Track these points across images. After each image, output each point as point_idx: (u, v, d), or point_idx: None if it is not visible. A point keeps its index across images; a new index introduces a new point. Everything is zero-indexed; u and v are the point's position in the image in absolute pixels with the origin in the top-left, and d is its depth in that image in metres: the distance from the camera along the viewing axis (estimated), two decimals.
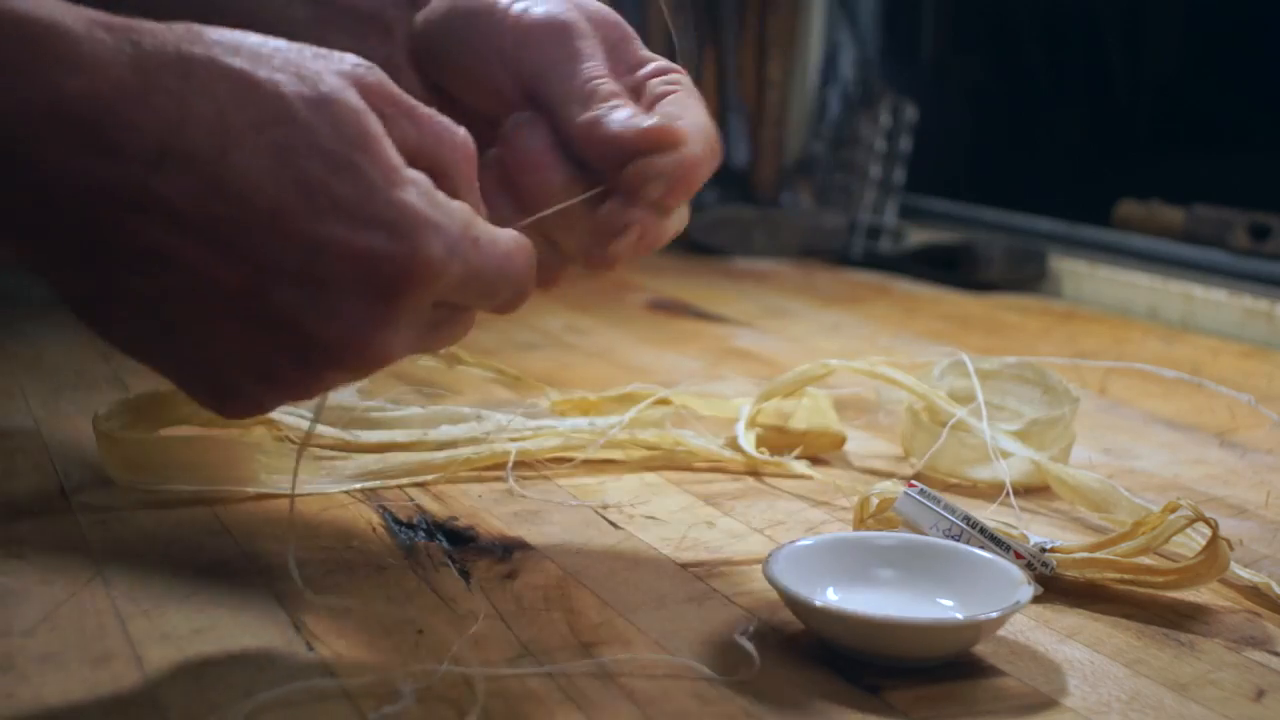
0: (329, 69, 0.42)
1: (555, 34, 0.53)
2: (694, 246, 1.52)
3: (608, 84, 0.52)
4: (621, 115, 0.50)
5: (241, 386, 0.43)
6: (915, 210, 1.61)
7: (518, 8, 0.53)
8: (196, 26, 0.41)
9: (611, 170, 0.51)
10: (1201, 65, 1.43)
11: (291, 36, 0.57)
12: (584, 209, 0.51)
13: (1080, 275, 1.32)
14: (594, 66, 0.53)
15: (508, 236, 0.45)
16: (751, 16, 1.71)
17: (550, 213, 0.51)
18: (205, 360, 0.43)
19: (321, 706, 0.44)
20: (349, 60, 0.43)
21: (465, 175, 0.46)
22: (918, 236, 1.54)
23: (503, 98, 0.54)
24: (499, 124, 0.54)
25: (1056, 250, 1.38)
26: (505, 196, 0.51)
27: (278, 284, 0.40)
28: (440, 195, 0.43)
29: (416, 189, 0.42)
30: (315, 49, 0.43)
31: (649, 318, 1.16)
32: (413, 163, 0.43)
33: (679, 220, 0.55)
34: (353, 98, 0.42)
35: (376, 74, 0.43)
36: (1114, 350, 1.08)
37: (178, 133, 0.39)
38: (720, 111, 1.72)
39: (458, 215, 0.43)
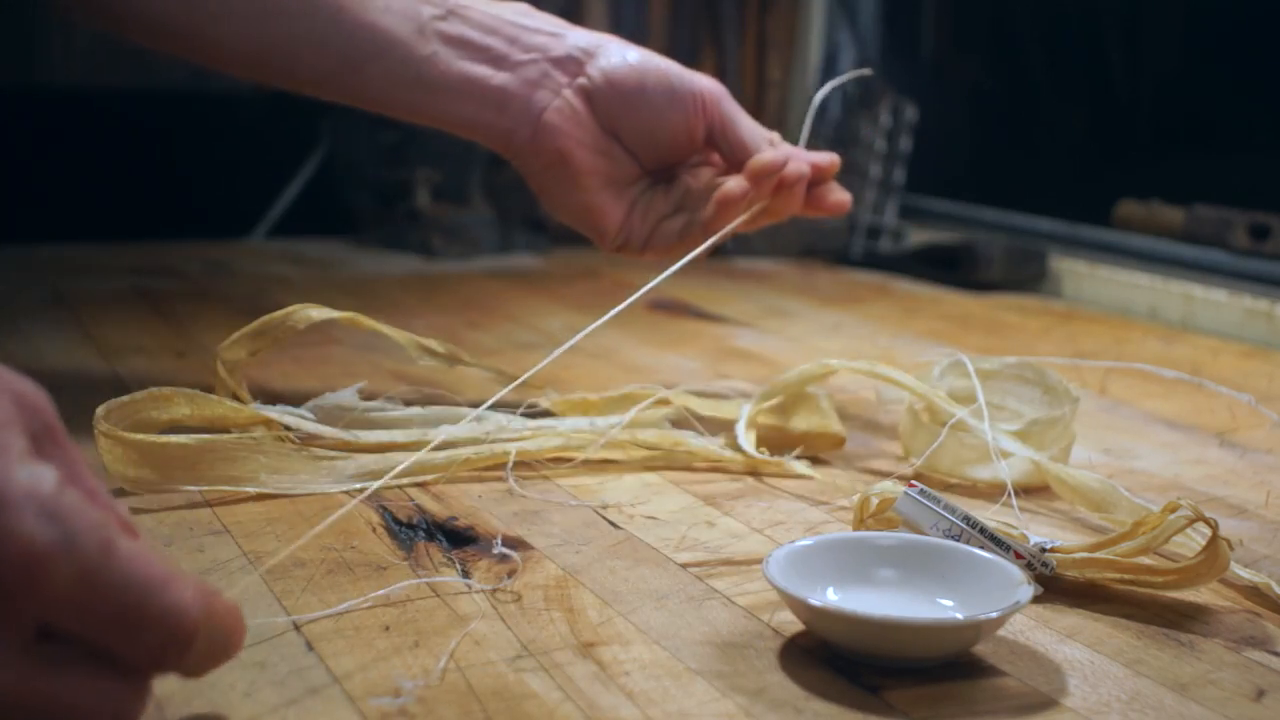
0: None
1: (725, 95, 0.78)
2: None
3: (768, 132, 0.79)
4: (799, 151, 0.77)
5: None
6: (915, 210, 1.60)
7: (696, 76, 0.77)
8: None
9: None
10: (1201, 65, 1.43)
11: (433, 74, 0.74)
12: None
13: (1080, 275, 1.32)
14: (750, 120, 0.79)
15: (168, 569, 0.37)
16: (751, 16, 1.71)
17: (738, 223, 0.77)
18: None
19: (321, 706, 0.44)
20: (15, 376, 0.37)
21: (124, 527, 0.38)
22: (918, 236, 1.54)
23: (677, 144, 0.78)
24: (654, 165, 0.79)
25: (1056, 250, 1.38)
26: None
27: None
28: (70, 490, 0.35)
29: (31, 471, 0.35)
30: None
31: (649, 318, 1.16)
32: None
33: None
34: None
35: (43, 398, 0.38)
36: (1114, 350, 1.08)
37: None
38: None
39: (91, 513, 0.35)
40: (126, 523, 0.39)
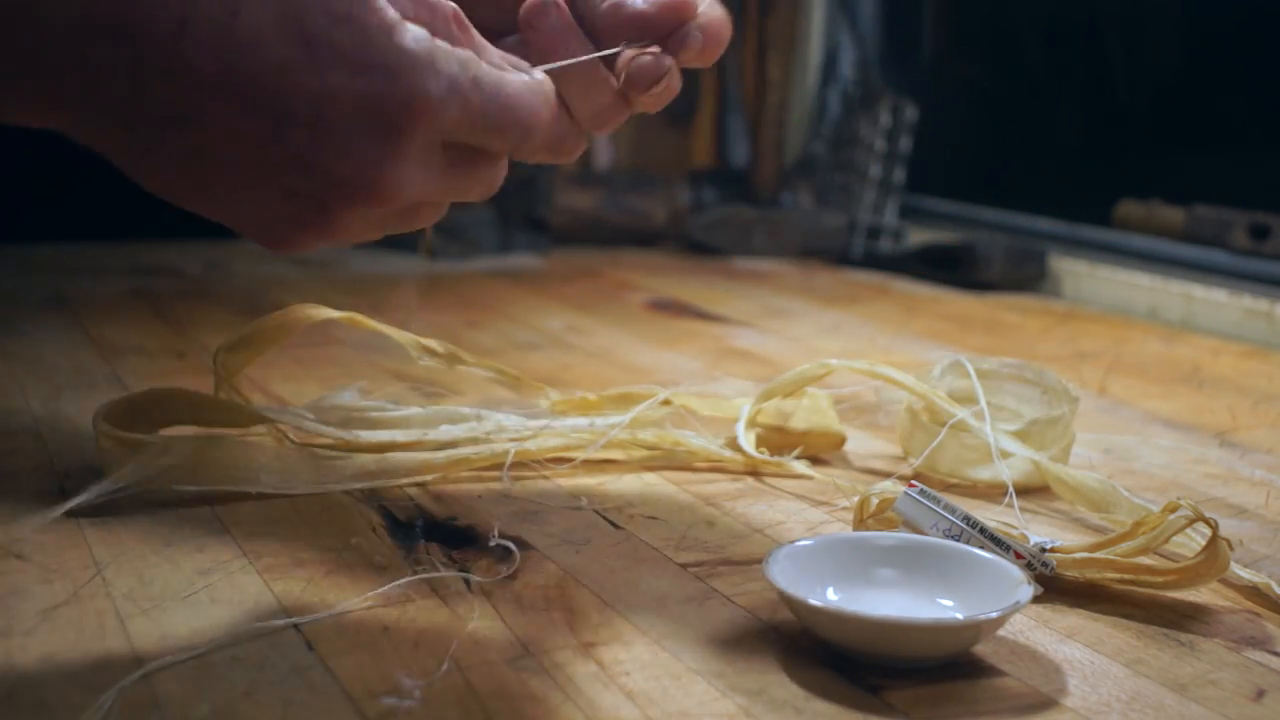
0: None
1: None
2: (694, 246, 1.52)
3: None
4: None
5: (275, 227, 0.47)
6: (915, 210, 1.60)
7: None
8: None
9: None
10: (1201, 65, 1.43)
11: None
12: (603, 74, 0.59)
13: (1080, 275, 1.33)
14: None
15: (516, 78, 0.49)
16: (751, 16, 1.71)
17: (572, 63, 0.57)
18: (239, 206, 0.46)
19: (322, 706, 0.44)
20: None
21: (455, 29, 0.48)
22: (918, 236, 1.54)
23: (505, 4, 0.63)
24: (498, 34, 0.62)
25: (1056, 250, 1.38)
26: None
27: (292, 130, 0.44)
28: (439, 41, 0.46)
29: (413, 35, 0.45)
30: None
31: (649, 318, 1.16)
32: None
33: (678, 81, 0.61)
34: None
35: None
36: (1114, 350, 1.08)
37: (194, 1, 0.42)
38: (720, 111, 1.72)
39: (455, 57, 0.46)
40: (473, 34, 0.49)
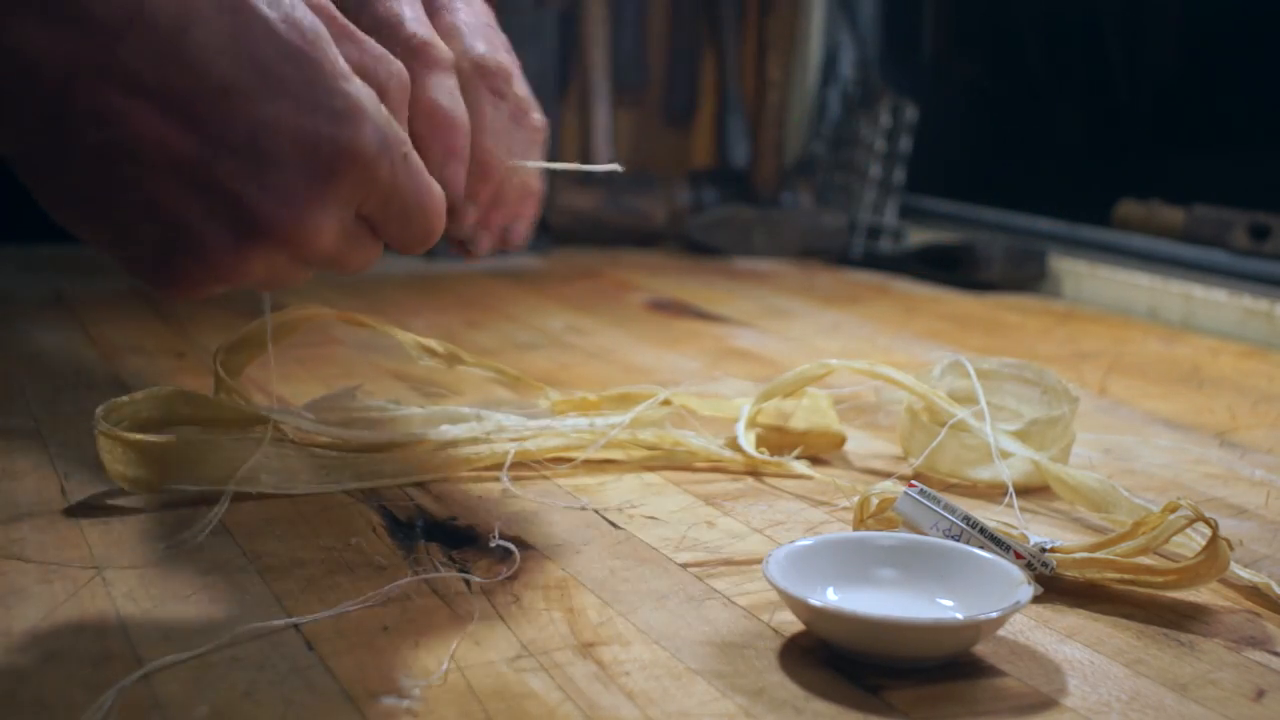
0: None
1: None
2: (694, 246, 1.52)
3: None
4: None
5: (174, 259, 0.44)
6: (915, 210, 1.61)
7: None
8: None
9: None
10: (1201, 65, 1.43)
11: None
12: None
13: (1080, 275, 1.33)
14: None
15: (430, 177, 0.49)
16: (751, 16, 1.71)
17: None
18: (142, 226, 0.44)
19: (322, 706, 0.44)
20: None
21: (399, 101, 0.48)
22: (918, 236, 1.54)
23: None
24: None
25: (1056, 250, 1.38)
26: None
27: (223, 155, 0.43)
28: (383, 107, 0.46)
29: (363, 88, 0.45)
30: None
31: (649, 318, 1.16)
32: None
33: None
34: (306, 5, 0.45)
35: None
36: (1114, 350, 1.08)
37: (143, 5, 0.41)
38: (720, 111, 1.72)
39: (396, 128, 0.47)
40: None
